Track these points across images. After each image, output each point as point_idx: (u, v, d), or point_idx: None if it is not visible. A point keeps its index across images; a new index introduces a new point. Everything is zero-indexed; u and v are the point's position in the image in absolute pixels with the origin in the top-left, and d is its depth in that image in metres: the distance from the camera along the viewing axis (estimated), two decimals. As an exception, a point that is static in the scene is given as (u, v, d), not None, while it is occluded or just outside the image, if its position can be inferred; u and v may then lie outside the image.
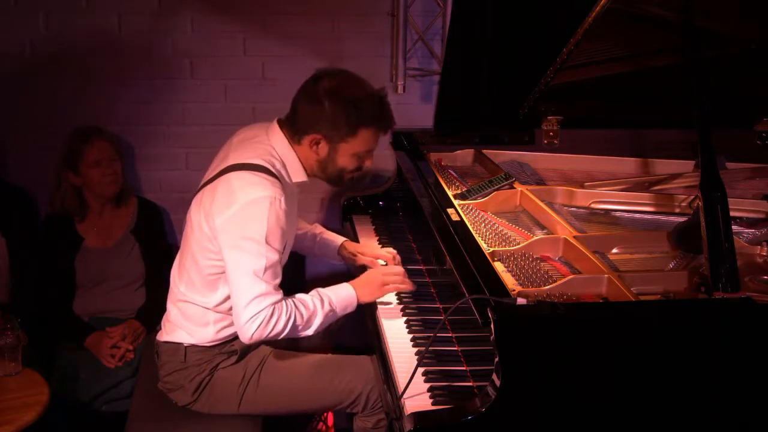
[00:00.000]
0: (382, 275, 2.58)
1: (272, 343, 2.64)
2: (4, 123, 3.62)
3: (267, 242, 2.32)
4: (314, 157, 2.47)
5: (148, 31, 3.65)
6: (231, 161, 2.43)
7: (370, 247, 2.95)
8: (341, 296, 2.49)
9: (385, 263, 2.79)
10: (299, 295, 2.44)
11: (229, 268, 2.36)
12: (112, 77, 3.67)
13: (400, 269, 2.64)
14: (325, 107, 2.39)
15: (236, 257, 2.33)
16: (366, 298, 2.54)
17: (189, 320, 2.52)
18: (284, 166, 2.46)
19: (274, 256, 2.34)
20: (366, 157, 2.50)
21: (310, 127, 2.42)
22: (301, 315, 2.39)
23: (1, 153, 3.64)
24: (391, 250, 2.85)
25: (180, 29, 3.66)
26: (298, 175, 2.50)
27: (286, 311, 2.35)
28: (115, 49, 3.65)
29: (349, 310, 2.51)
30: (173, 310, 2.57)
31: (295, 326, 2.37)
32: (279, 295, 2.36)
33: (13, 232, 3.29)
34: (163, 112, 3.74)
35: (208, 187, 2.45)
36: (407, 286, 2.59)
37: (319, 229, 2.95)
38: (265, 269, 2.32)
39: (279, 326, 2.33)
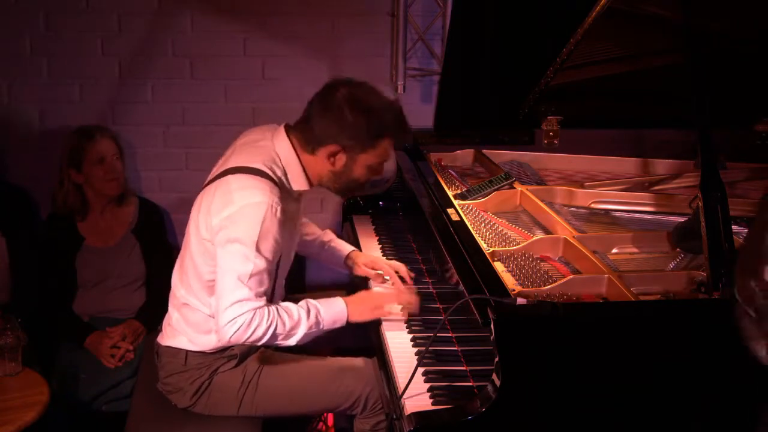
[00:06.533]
0: (378, 298, 2.54)
1: (272, 346, 2.63)
2: (5, 123, 3.63)
3: (257, 248, 2.29)
4: (328, 168, 2.41)
5: (148, 31, 3.65)
6: (232, 164, 2.41)
7: (375, 258, 2.85)
8: (331, 310, 2.45)
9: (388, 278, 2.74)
10: (285, 304, 2.42)
11: (218, 266, 2.35)
12: (112, 77, 3.68)
13: (400, 298, 2.54)
14: (345, 117, 2.33)
15: (224, 258, 2.32)
16: (356, 317, 2.48)
17: (191, 326, 2.49)
18: (285, 173, 2.42)
19: (262, 264, 2.31)
20: (379, 169, 2.46)
21: (329, 138, 2.36)
22: (284, 324, 2.36)
23: (1, 153, 3.64)
24: (394, 264, 2.76)
25: (180, 29, 3.67)
26: (299, 183, 2.45)
27: (267, 318, 2.32)
28: (115, 49, 3.65)
29: (338, 325, 2.46)
30: (175, 314, 2.54)
31: (275, 334, 2.35)
32: (261, 302, 2.33)
33: (13, 231, 3.29)
34: (163, 112, 3.75)
35: (208, 188, 2.44)
36: (408, 309, 2.50)
37: (328, 236, 2.89)
38: (251, 275, 2.30)
39: (259, 332, 2.31)
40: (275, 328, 2.34)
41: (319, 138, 2.38)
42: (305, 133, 2.41)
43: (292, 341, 2.41)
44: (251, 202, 2.30)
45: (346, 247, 2.87)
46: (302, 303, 2.44)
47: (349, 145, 2.37)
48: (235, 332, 2.30)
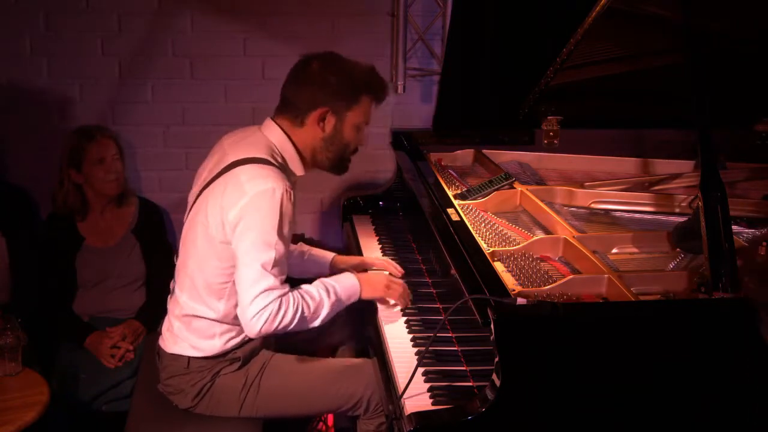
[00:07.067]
0: (387, 279, 2.58)
1: (273, 347, 2.63)
2: (4, 123, 3.63)
3: (278, 233, 2.31)
4: (320, 135, 2.46)
5: (148, 31, 3.65)
6: (231, 159, 2.41)
7: (361, 258, 2.88)
8: (345, 285, 2.49)
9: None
10: (304, 286, 2.43)
11: (239, 260, 2.33)
12: (112, 77, 3.68)
13: (403, 282, 2.61)
14: (327, 80, 2.42)
15: (245, 249, 2.31)
16: (368, 293, 2.53)
17: (193, 333, 2.48)
18: (284, 160, 2.46)
19: (283, 249, 2.33)
20: (362, 130, 2.53)
21: (316, 103, 2.43)
22: (308, 306, 2.38)
23: (1, 153, 3.64)
24: (382, 260, 2.82)
25: (180, 29, 3.67)
26: (297, 168, 2.50)
27: (293, 303, 2.33)
28: (115, 49, 3.65)
29: (353, 300, 2.51)
30: (176, 323, 2.51)
31: (303, 318, 2.36)
32: (285, 288, 2.35)
33: (13, 231, 3.28)
34: (163, 112, 3.75)
35: (212, 188, 2.42)
36: (405, 300, 2.57)
37: (305, 246, 2.89)
38: (274, 262, 2.31)
39: (287, 319, 2.32)
40: (302, 312, 2.35)
41: (306, 108, 2.45)
42: (291, 111, 2.47)
43: (317, 322, 2.42)
44: (265, 189, 2.31)
45: (327, 254, 2.89)
46: (317, 283, 2.46)
47: (335, 105, 2.44)
48: (264, 323, 2.29)
